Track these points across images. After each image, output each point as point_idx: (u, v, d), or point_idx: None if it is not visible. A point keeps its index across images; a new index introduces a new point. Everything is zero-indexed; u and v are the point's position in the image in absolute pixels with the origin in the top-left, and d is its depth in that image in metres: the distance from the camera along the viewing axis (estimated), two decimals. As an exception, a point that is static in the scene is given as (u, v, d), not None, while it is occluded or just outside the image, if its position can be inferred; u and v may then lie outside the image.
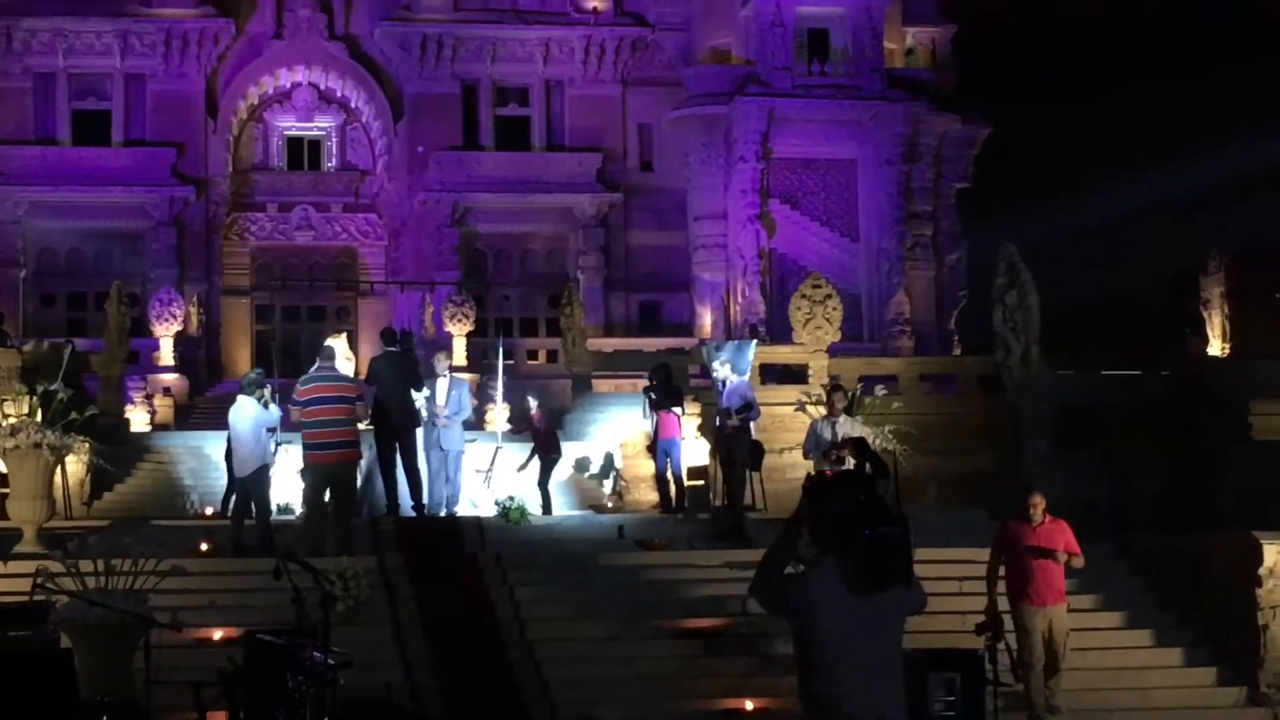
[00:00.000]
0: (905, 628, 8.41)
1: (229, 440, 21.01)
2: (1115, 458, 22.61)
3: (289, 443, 22.17)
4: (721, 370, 23.29)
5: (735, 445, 22.11)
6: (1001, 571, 16.82)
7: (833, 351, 28.83)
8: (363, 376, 22.83)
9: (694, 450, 25.94)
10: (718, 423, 22.52)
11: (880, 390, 26.41)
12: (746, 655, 17.88)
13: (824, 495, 8.17)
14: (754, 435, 22.74)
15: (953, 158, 46.22)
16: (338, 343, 23.67)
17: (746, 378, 23.76)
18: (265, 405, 20.39)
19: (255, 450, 20.16)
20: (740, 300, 43.16)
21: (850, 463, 19.14)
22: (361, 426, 20.88)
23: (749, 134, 44.06)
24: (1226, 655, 18.57)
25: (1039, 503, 16.83)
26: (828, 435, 20.68)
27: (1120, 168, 45.93)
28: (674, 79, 46.69)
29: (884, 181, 44.51)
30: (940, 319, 45.62)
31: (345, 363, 23.06)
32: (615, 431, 27.36)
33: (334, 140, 48.56)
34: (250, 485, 20.25)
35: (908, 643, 8.79)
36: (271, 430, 20.86)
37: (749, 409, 22.32)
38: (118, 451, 27.27)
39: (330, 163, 48.49)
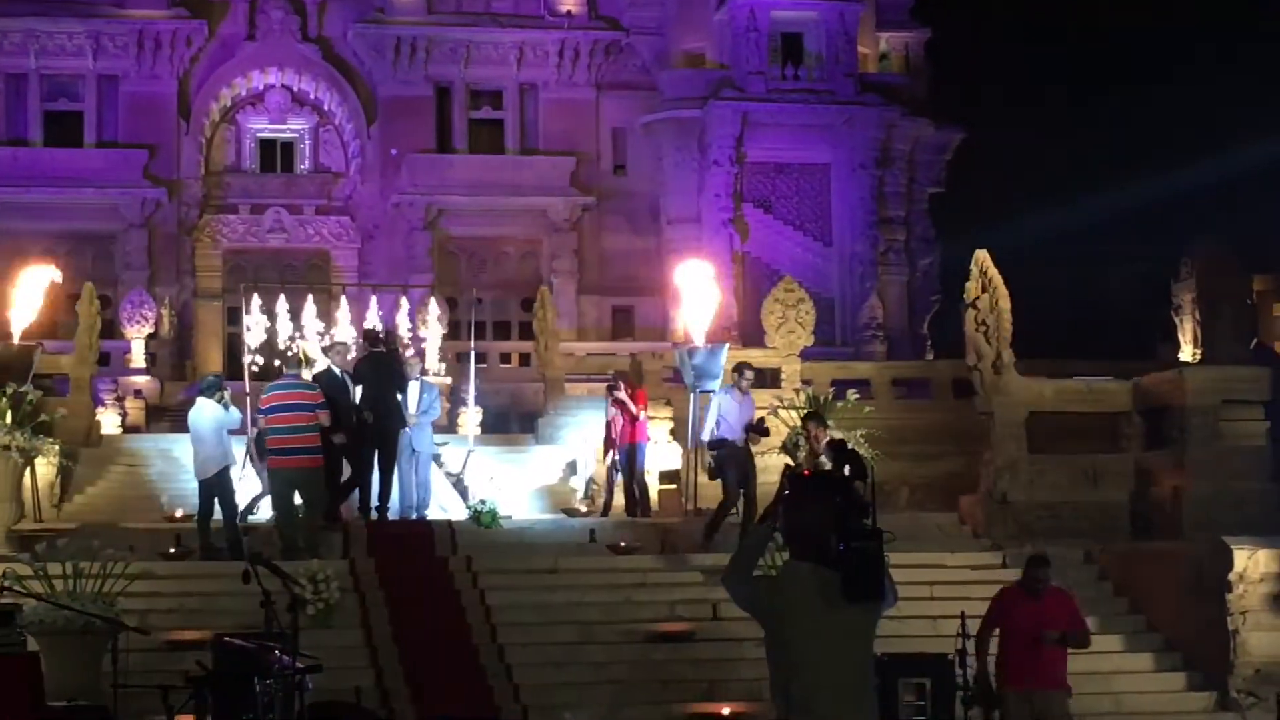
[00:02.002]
0: (876, 631, 8.42)
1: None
2: (1085, 463, 22.65)
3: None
4: (720, 397, 23.03)
5: (751, 464, 21.83)
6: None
7: (805, 355, 28.86)
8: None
9: (665, 455, 25.95)
10: (708, 439, 22.24)
11: (853, 394, 26.42)
12: (719, 659, 17.89)
13: (800, 498, 8.15)
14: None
15: (926, 163, 46.27)
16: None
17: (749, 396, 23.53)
18: (226, 407, 20.42)
19: (216, 452, 20.24)
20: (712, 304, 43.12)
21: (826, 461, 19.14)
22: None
23: (723, 138, 44.08)
24: (1197, 660, 18.63)
25: (1042, 576, 14.58)
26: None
27: (1095, 173, 46.03)
28: (648, 83, 46.67)
29: (857, 186, 44.54)
30: (913, 323, 45.67)
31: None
32: (587, 435, 27.31)
33: (307, 142, 48.42)
34: (214, 488, 20.26)
35: (878, 647, 8.81)
36: (234, 432, 20.92)
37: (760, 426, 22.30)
38: (88, 454, 27.18)
39: (303, 165, 48.36)
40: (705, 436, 22.24)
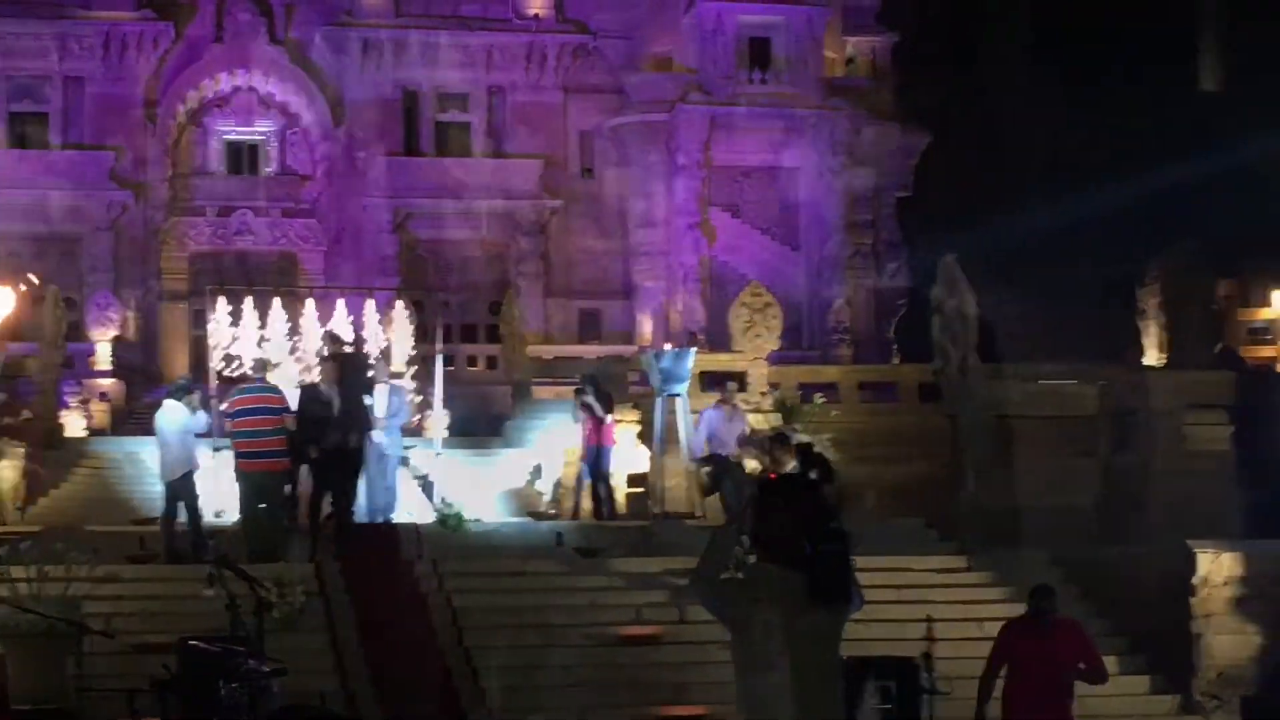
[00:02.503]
0: (843, 634, 8.45)
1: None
2: (1051, 467, 22.71)
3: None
4: (709, 414, 23.08)
5: (745, 478, 21.91)
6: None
7: (772, 359, 28.90)
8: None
9: (633, 458, 25.98)
10: (696, 455, 22.30)
11: (819, 398, 26.48)
12: (686, 662, 17.89)
13: (767, 502, 8.19)
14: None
15: (893, 167, 46.40)
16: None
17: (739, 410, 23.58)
18: (194, 411, 20.41)
19: (181, 455, 20.26)
20: (680, 308, 43.20)
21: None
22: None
23: (690, 141, 44.14)
24: (1160, 664, 18.70)
25: (1048, 608, 13.69)
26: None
27: (1064, 177, 46.07)
28: (616, 86, 46.70)
29: (824, 190, 44.65)
30: (880, 327, 45.77)
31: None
32: (555, 439, 27.32)
33: (274, 145, 48.31)
34: (179, 490, 20.24)
35: (844, 649, 8.89)
36: (201, 435, 20.91)
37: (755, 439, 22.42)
38: (53, 456, 27.10)
39: (270, 168, 48.24)
40: (699, 453, 22.40)
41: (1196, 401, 22.64)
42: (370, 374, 23.24)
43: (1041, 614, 13.73)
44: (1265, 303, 28.20)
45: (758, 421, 25.17)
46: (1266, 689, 17.73)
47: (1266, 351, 27.48)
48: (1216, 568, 18.49)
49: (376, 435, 22.24)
